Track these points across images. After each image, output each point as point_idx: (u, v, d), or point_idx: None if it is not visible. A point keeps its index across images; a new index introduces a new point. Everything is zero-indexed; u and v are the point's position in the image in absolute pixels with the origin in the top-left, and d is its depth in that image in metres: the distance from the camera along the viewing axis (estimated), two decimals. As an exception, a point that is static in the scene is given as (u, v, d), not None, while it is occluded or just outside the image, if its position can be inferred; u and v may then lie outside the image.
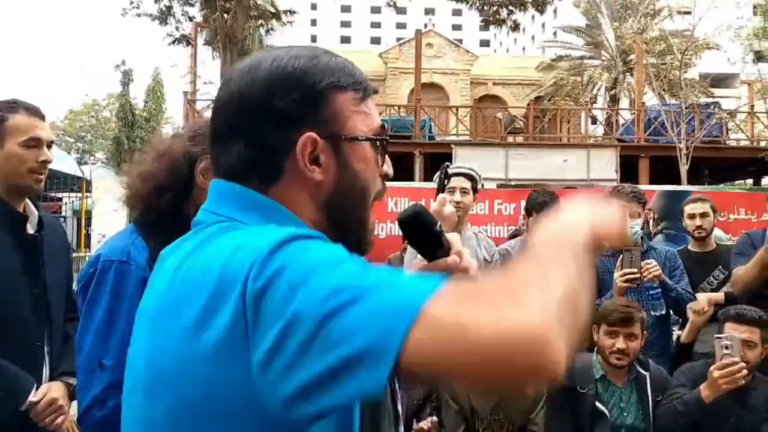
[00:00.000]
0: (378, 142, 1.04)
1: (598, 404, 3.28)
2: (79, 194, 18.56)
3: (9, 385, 2.23)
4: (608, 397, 3.32)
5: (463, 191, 3.83)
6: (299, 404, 0.79)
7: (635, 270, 3.66)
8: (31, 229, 2.43)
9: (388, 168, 1.08)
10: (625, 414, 3.31)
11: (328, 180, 1.00)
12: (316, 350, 0.77)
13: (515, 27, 22.65)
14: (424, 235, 1.16)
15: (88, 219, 18.58)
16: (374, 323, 0.75)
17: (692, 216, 4.54)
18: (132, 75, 34.26)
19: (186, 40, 24.13)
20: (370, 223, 1.08)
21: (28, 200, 2.47)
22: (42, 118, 2.45)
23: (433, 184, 4.07)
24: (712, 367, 3.16)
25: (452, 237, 1.19)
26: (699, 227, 4.50)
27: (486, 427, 3.51)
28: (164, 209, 1.71)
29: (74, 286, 2.69)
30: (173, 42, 24.04)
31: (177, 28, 24.77)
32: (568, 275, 0.82)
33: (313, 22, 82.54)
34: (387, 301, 0.77)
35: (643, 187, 10.72)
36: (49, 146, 2.43)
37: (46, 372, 2.40)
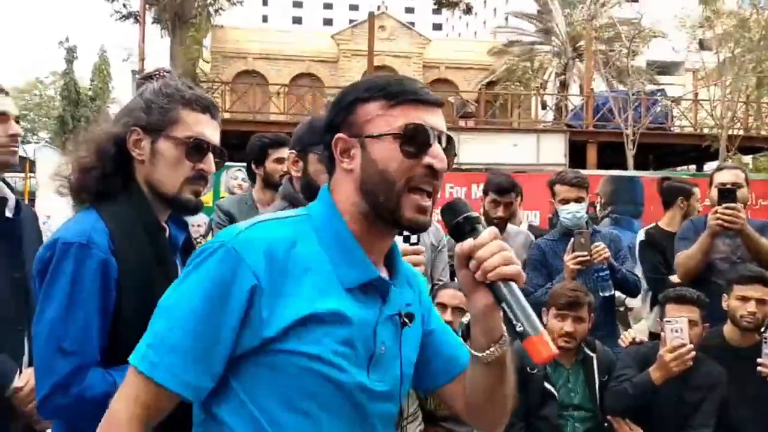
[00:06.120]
0: (407, 139, 1.29)
1: (546, 385, 3.36)
2: (22, 174, 18.06)
3: None
4: (556, 377, 3.41)
5: None
6: None
7: (585, 253, 3.75)
8: (9, 213, 2.40)
9: (431, 159, 1.29)
10: (572, 394, 3.41)
11: (356, 168, 1.33)
12: None
13: (467, 10, 22.81)
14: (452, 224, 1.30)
15: (32, 200, 18.09)
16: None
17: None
18: (76, 52, 33.30)
19: (134, 17, 23.61)
20: (423, 207, 1.31)
21: (2, 184, 2.44)
22: (5, 93, 2.44)
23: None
24: (662, 350, 3.28)
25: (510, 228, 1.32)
26: None
27: (438, 404, 3.57)
28: (90, 187, 1.72)
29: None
30: (121, 18, 23.49)
31: (124, 5, 24.22)
32: None
33: (265, 2, 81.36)
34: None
35: (591, 171, 10.94)
36: (16, 121, 2.42)
37: (26, 358, 2.37)
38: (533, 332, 1.19)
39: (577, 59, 28.31)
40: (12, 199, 2.44)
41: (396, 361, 1.37)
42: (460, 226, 1.28)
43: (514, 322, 1.20)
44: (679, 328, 3.27)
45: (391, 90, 1.32)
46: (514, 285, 1.23)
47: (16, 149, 2.42)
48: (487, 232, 1.25)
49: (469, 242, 1.25)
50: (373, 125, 1.31)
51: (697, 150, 20.05)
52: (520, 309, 1.20)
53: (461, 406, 1.48)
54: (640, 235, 5.03)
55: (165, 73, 1.85)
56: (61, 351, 1.55)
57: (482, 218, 1.31)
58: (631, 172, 12.35)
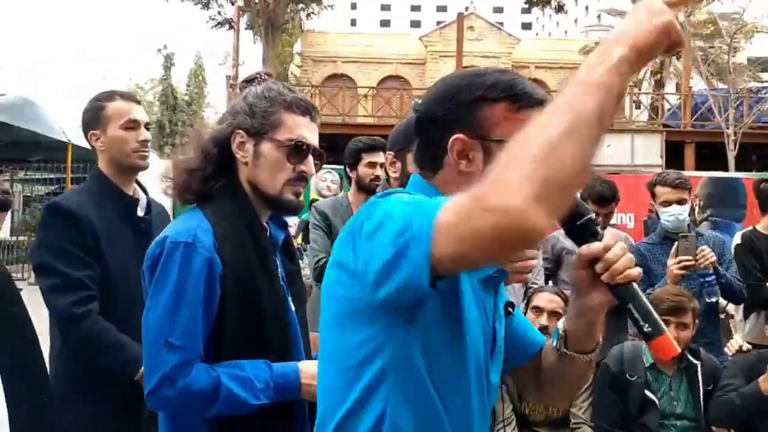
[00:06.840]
0: None
1: (647, 392, 3.25)
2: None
3: (126, 358, 2.34)
4: (658, 385, 3.29)
5: None
6: (378, 289, 1.11)
7: (690, 257, 3.59)
8: (140, 212, 2.58)
9: None
10: (674, 403, 3.28)
11: (476, 171, 1.26)
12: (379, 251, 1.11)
13: (559, 9, 22.38)
14: (574, 225, 1.29)
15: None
16: (411, 231, 1.06)
17: None
18: (173, 59, 34.53)
19: (228, 23, 24.36)
20: None
21: (136, 185, 2.64)
22: (137, 102, 2.66)
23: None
24: None
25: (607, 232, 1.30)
26: None
27: (531, 409, 3.52)
28: (194, 188, 1.76)
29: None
30: (216, 26, 24.28)
31: (219, 12, 25.02)
32: (564, 127, 1.00)
33: (353, 6, 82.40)
34: (416, 220, 1.07)
35: (689, 173, 10.52)
36: (146, 127, 2.64)
37: None
38: (659, 333, 1.23)
39: (673, 57, 27.36)
40: (143, 198, 2.62)
41: (502, 352, 1.40)
42: (583, 228, 1.28)
43: (642, 323, 1.23)
44: None
45: (516, 92, 1.29)
46: (636, 286, 1.25)
47: (147, 154, 2.62)
48: (611, 236, 1.27)
49: (597, 245, 1.25)
50: (501, 129, 1.26)
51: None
52: (645, 310, 1.23)
53: (531, 384, 1.52)
54: (737, 239, 4.81)
55: (266, 77, 1.89)
56: (167, 345, 1.59)
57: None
58: (732, 174, 11.83)
